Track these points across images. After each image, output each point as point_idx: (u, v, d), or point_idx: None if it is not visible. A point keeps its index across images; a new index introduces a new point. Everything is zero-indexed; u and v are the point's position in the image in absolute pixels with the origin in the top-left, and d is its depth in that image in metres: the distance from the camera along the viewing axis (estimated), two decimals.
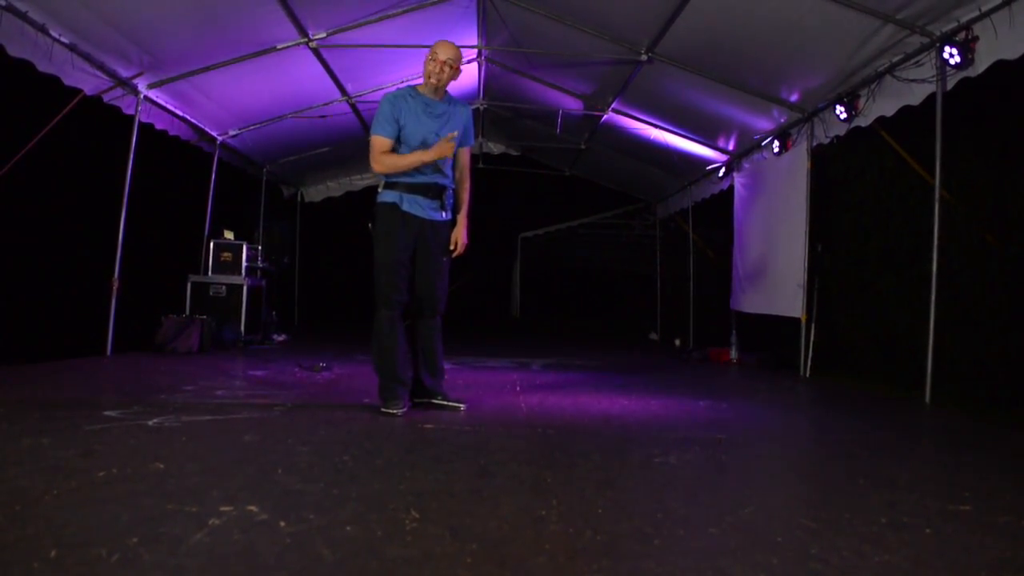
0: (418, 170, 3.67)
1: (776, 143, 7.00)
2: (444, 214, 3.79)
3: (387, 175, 3.69)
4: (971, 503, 2.32)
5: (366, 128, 9.10)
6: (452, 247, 3.85)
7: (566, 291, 17.30)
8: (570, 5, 6.21)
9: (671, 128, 8.10)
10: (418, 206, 3.70)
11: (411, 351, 3.82)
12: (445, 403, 3.87)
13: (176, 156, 7.81)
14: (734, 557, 1.74)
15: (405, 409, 3.69)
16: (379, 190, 3.76)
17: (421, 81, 3.79)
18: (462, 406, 3.88)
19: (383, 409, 3.68)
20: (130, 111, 6.32)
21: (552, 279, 17.46)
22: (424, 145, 3.66)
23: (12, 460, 2.41)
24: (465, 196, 3.92)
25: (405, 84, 3.84)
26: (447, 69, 3.67)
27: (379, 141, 3.65)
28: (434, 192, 3.72)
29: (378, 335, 3.72)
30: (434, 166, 3.70)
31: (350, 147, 9.76)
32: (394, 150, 3.67)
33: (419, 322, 3.84)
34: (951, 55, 4.46)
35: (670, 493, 2.35)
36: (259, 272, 8.39)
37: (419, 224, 3.70)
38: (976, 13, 4.29)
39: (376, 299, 3.71)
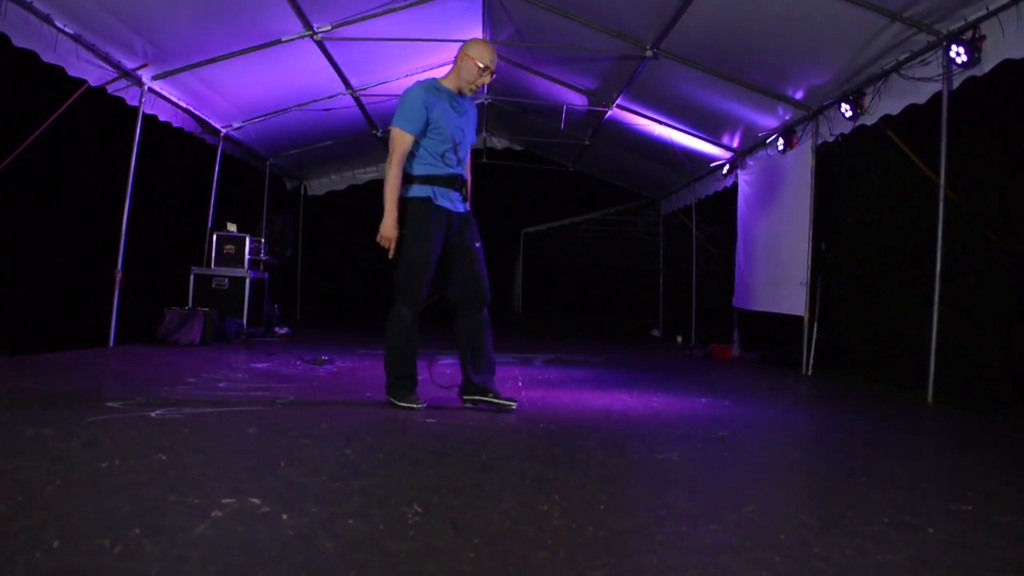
0: (445, 162, 3.58)
1: (781, 141, 6.98)
2: (466, 205, 3.73)
3: (409, 169, 3.54)
4: (974, 502, 2.31)
5: (370, 122, 9.10)
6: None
7: (568, 287, 17.30)
8: (576, 0, 6.19)
9: (676, 124, 8.08)
10: (448, 199, 3.60)
11: (459, 347, 3.71)
12: (496, 401, 3.67)
13: (180, 148, 7.81)
14: (736, 554, 1.74)
15: (424, 404, 3.62)
16: (403, 184, 3.55)
17: (439, 74, 3.69)
18: (513, 404, 3.69)
19: (402, 405, 3.60)
20: (134, 102, 6.32)
21: (555, 275, 17.45)
22: (453, 140, 3.58)
23: (15, 450, 2.42)
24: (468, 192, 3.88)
25: (428, 78, 3.70)
26: (488, 75, 3.64)
27: (404, 139, 3.50)
28: (459, 183, 3.66)
29: (398, 333, 3.59)
30: (457, 157, 3.64)
31: (354, 141, 9.76)
32: (418, 143, 3.53)
33: (466, 315, 3.70)
34: (958, 54, 4.43)
35: (672, 489, 2.35)
36: (262, 265, 8.40)
37: (448, 217, 3.60)
38: (983, 12, 4.27)
39: (399, 296, 3.59)
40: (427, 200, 3.54)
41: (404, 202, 3.55)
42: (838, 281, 7.03)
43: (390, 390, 3.69)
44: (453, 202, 3.62)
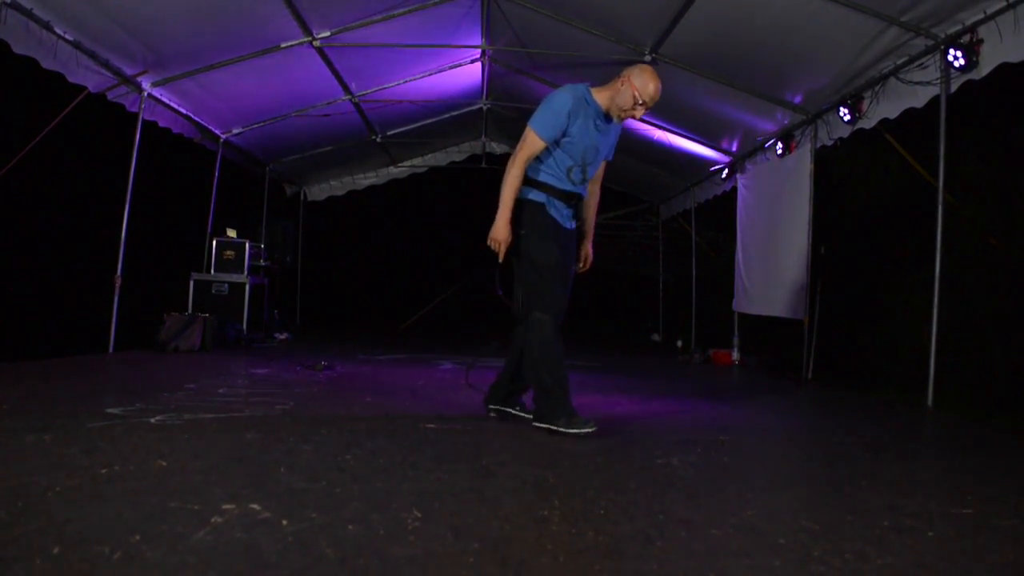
0: (570, 178, 3.37)
1: (779, 145, 6.99)
2: (574, 223, 3.55)
3: (531, 172, 3.34)
4: (973, 506, 2.31)
5: (370, 127, 9.11)
6: (581, 264, 3.64)
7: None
8: (574, 5, 6.20)
9: (674, 129, 8.09)
10: (559, 213, 3.39)
11: (509, 355, 3.56)
12: (523, 415, 3.55)
13: (179, 154, 7.82)
14: (736, 559, 1.74)
15: (595, 427, 3.23)
16: (522, 186, 3.36)
17: (586, 84, 3.44)
18: None
19: (573, 432, 3.19)
20: (134, 109, 6.33)
21: None
22: (583, 159, 3.36)
23: (15, 457, 2.42)
24: (593, 211, 3.69)
25: (582, 84, 3.46)
26: (642, 111, 3.34)
27: (536, 143, 3.29)
28: (574, 201, 3.45)
29: (546, 345, 3.27)
30: (583, 176, 3.42)
31: (353, 146, 9.77)
32: (547, 151, 3.32)
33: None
34: (955, 57, 4.45)
35: (672, 494, 2.35)
36: (261, 270, 8.41)
37: (557, 229, 3.44)
38: (981, 16, 4.29)
39: (536, 304, 3.31)
40: (543, 206, 3.36)
41: (520, 203, 3.35)
42: (838, 285, 7.04)
43: (548, 411, 3.29)
44: (563, 216, 3.41)
